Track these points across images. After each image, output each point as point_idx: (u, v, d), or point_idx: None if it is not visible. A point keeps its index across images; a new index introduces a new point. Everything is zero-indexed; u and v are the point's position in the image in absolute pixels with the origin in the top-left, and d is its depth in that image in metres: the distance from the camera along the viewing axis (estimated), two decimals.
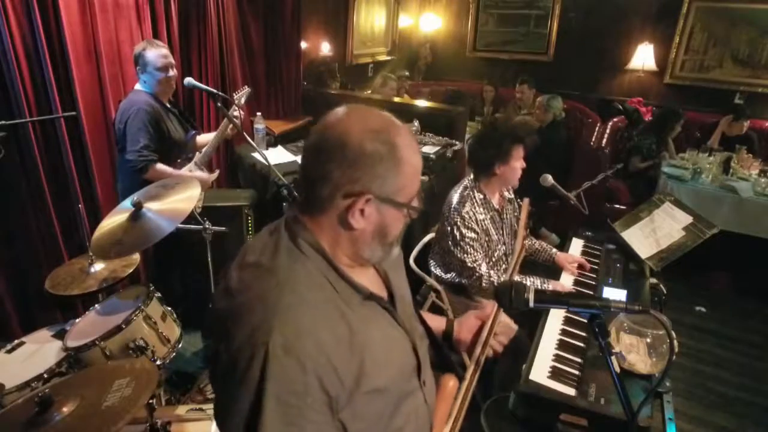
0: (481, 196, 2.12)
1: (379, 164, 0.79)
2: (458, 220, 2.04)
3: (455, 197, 2.12)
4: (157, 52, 2.30)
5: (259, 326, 0.74)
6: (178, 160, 2.51)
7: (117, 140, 2.39)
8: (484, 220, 2.09)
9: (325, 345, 0.75)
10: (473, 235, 2.04)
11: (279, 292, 0.77)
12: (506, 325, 1.20)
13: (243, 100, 2.56)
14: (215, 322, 0.83)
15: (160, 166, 2.34)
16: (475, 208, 2.08)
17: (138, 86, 2.38)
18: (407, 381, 0.93)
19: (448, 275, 2.20)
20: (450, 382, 1.07)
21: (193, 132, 2.58)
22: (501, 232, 2.20)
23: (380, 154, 0.79)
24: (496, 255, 2.17)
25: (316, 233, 0.84)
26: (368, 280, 0.92)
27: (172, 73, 2.38)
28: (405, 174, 0.82)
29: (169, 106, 2.47)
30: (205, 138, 2.68)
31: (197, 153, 2.58)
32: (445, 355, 1.13)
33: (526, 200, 2.13)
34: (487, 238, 2.12)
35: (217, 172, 2.71)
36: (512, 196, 2.30)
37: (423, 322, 1.11)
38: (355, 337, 0.80)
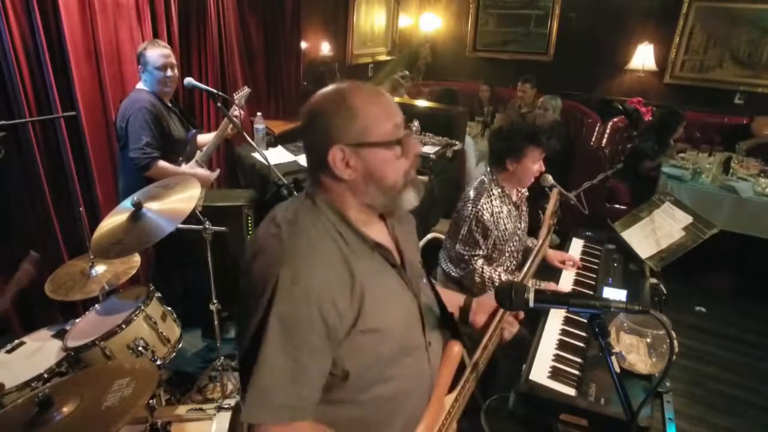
0: (499, 190, 2.09)
1: (334, 116, 0.92)
2: (472, 212, 2.02)
3: (471, 192, 2.10)
4: (158, 52, 2.31)
5: (274, 261, 0.88)
6: (180, 159, 2.51)
7: (118, 138, 2.39)
8: (499, 213, 2.06)
9: (327, 282, 0.88)
10: (482, 230, 2.02)
11: (295, 238, 0.91)
12: (516, 313, 1.26)
13: (243, 101, 2.56)
14: (243, 264, 0.96)
15: (162, 163, 2.34)
16: (492, 201, 2.05)
17: (139, 85, 2.39)
18: (411, 336, 1.03)
19: (453, 270, 2.19)
20: (455, 347, 1.11)
21: (194, 131, 2.58)
22: (517, 226, 2.18)
23: (331, 108, 0.93)
24: (507, 249, 2.17)
25: (328, 195, 0.97)
26: (382, 240, 1.01)
27: (171, 73, 2.37)
28: (362, 115, 0.92)
29: (170, 105, 2.47)
30: (206, 138, 2.69)
31: (198, 152, 2.59)
32: (454, 325, 1.18)
33: (555, 189, 2.06)
34: (503, 232, 2.09)
35: (217, 171, 2.71)
36: (528, 194, 2.29)
37: (435, 292, 1.19)
38: (356, 281, 0.91)
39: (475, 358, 1.13)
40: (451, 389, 1.09)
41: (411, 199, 0.98)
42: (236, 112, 2.51)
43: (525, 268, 1.52)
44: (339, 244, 0.93)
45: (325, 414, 0.96)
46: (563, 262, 2.20)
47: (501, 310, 1.20)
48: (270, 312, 0.85)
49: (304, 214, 0.95)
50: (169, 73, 2.36)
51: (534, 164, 2.03)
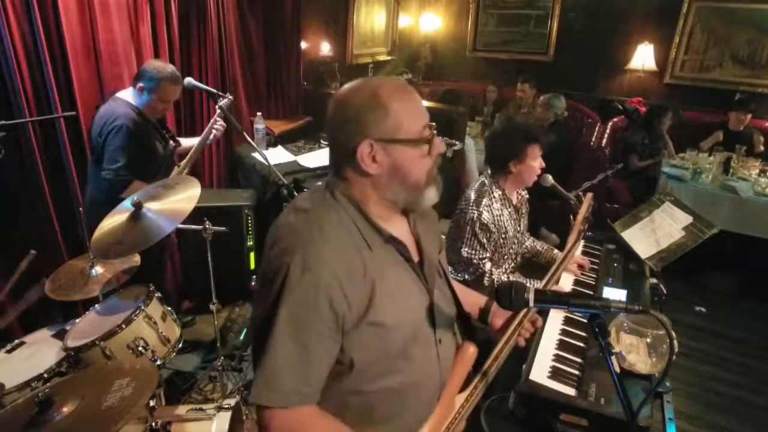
0: (500, 192, 2.10)
1: (366, 112, 0.93)
2: (474, 215, 2.02)
3: (472, 194, 2.10)
4: (174, 89, 2.25)
5: (287, 250, 0.91)
6: (159, 176, 2.42)
7: (91, 148, 2.29)
8: (500, 216, 2.07)
9: (338, 273, 0.89)
10: (485, 233, 2.03)
11: (309, 228, 0.93)
12: (534, 320, 1.27)
13: (226, 107, 2.38)
14: (265, 247, 0.98)
15: (136, 185, 2.22)
16: (492, 203, 2.06)
17: (126, 95, 2.29)
18: (420, 331, 1.02)
19: (458, 274, 2.19)
20: (470, 348, 1.12)
21: (174, 145, 2.51)
22: (517, 229, 2.19)
23: (364, 103, 0.93)
24: (507, 252, 2.17)
25: (348, 187, 0.99)
26: (400, 234, 1.02)
27: (170, 106, 2.36)
28: (395, 113, 0.93)
29: (152, 120, 2.37)
30: (188, 143, 2.60)
31: (176, 167, 2.51)
32: (470, 325, 1.19)
33: (590, 195, 2.10)
34: (503, 234, 2.09)
35: None
36: (528, 195, 2.30)
37: (452, 290, 1.18)
38: (368, 273, 0.93)
39: (485, 366, 1.13)
40: (463, 389, 1.10)
41: (432, 196, 1.02)
42: (217, 125, 2.44)
43: (550, 274, 1.52)
44: (352, 235, 0.95)
45: (333, 402, 0.98)
46: (580, 265, 2.18)
47: (519, 316, 1.21)
48: (280, 300, 0.88)
49: (320, 204, 0.97)
50: (168, 107, 2.34)
51: (535, 162, 2.06)
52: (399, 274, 1.00)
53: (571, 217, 2.18)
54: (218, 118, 2.43)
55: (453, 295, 1.18)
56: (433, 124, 1.01)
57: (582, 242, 2.43)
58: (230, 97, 2.44)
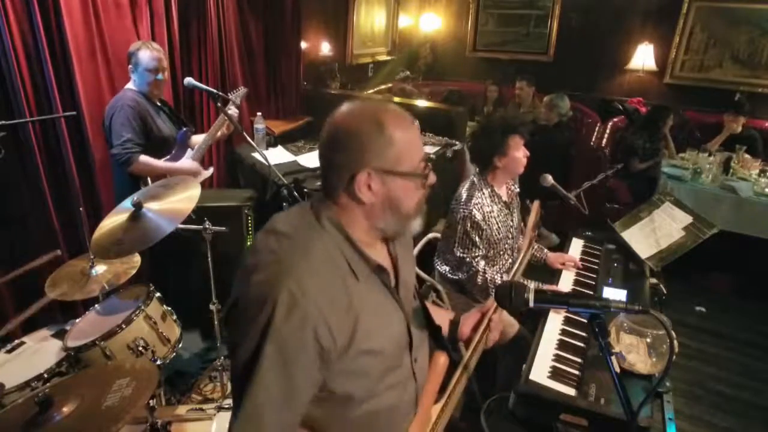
0: (489, 190, 2.11)
1: (369, 141, 0.91)
2: (465, 214, 2.04)
3: (463, 193, 2.11)
4: (150, 54, 2.30)
5: (273, 282, 0.86)
6: (169, 156, 2.50)
7: (106, 140, 2.40)
8: (490, 212, 2.08)
9: (322, 307, 0.87)
10: (477, 231, 2.04)
11: (294, 258, 0.89)
12: (500, 321, 1.29)
13: (239, 100, 2.54)
14: (239, 274, 0.94)
15: (144, 158, 2.32)
16: (483, 201, 2.07)
17: (128, 85, 2.39)
18: (398, 354, 1.03)
19: (454, 274, 2.19)
20: (441, 358, 1.14)
21: (185, 129, 2.55)
22: (509, 224, 2.19)
23: (368, 132, 0.91)
24: (501, 248, 2.17)
25: (336, 212, 0.96)
26: (381, 260, 1.01)
27: (162, 76, 2.38)
28: (397, 145, 0.92)
29: (158, 104, 2.47)
30: (199, 138, 2.66)
31: (189, 150, 2.57)
32: (440, 339, 1.20)
33: (537, 202, 2.12)
34: (495, 231, 2.10)
35: (211, 170, 2.67)
36: (519, 190, 2.31)
37: (425, 309, 1.19)
38: (352, 305, 0.91)
39: (465, 358, 1.15)
40: (439, 397, 1.12)
41: (417, 225, 1.03)
42: (232, 111, 2.49)
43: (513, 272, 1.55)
44: (338, 265, 0.92)
45: (311, 426, 0.97)
46: (563, 264, 2.20)
47: (486, 319, 1.24)
48: (267, 337, 0.84)
49: (305, 231, 0.94)
50: (159, 76, 2.36)
51: (519, 152, 2.08)
52: (381, 302, 1.00)
53: (522, 224, 2.22)
54: (232, 104, 2.50)
55: (424, 312, 1.18)
56: (430, 155, 1.03)
57: (582, 242, 2.44)
58: (243, 89, 2.53)
